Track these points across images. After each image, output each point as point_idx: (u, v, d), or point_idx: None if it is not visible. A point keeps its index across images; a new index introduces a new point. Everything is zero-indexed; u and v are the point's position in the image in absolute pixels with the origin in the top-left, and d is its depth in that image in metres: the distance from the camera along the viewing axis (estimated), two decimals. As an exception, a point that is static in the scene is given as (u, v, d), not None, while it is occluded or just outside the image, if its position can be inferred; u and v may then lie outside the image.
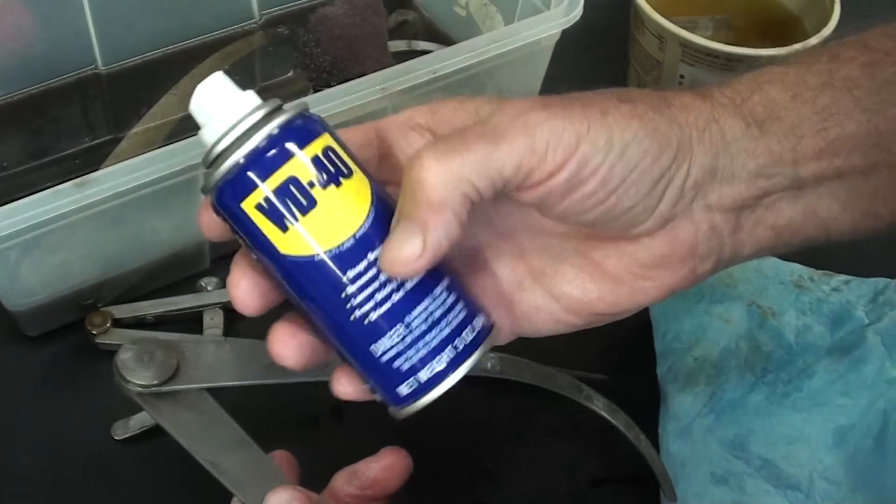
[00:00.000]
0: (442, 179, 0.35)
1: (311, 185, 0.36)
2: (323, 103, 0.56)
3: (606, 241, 0.40)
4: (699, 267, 0.40)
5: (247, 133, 0.36)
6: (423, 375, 0.38)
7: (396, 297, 0.37)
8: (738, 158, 0.39)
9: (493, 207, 0.40)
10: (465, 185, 0.35)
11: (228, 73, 0.38)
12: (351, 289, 0.37)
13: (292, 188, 0.36)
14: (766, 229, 0.41)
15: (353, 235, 0.36)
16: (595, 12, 0.66)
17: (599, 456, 0.57)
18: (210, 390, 0.50)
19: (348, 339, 0.38)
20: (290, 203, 0.36)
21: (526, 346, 0.58)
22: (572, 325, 0.42)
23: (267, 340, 0.39)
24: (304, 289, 0.37)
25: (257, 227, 0.37)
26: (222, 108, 0.37)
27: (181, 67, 0.70)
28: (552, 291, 0.41)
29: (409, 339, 0.37)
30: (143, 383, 0.49)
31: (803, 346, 0.56)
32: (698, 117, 0.38)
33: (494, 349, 0.57)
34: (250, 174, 0.36)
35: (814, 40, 0.68)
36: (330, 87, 0.63)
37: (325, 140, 0.37)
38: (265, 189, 0.36)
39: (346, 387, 0.40)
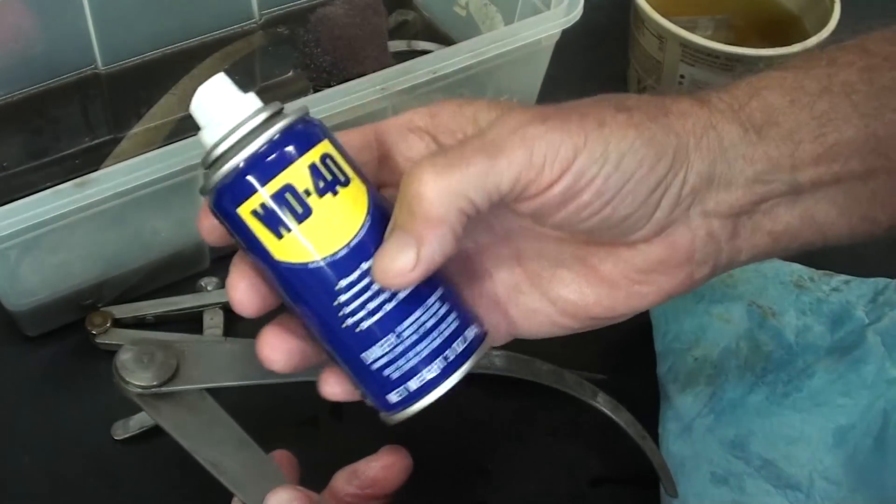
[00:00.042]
0: (440, 195, 0.35)
1: (308, 193, 0.36)
2: (323, 103, 0.56)
3: (603, 246, 0.40)
4: (696, 272, 0.40)
5: (246, 138, 0.36)
6: (413, 385, 0.38)
7: (389, 306, 0.37)
8: (735, 165, 0.39)
9: (491, 211, 0.40)
10: (462, 201, 0.36)
11: (229, 73, 0.38)
12: (343, 297, 0.37)
13: (288, 196, 0.36)
14: (764, 235, 0.41)
15: (348, 244, 0.37)
16: (595, 12, 0.66)
17: (600, 456, 0.57)
18: (210, 390, 0.50)
19: (340, 344, 0.38)
20: (285, 211, 0.36)
21: (526, 346, 0.58)
22: (568, 329, 0.42)
23: (256, 344, 0.39)
24: (298, 294, 0.37)
25: (253, 233, 0.37)
26: (223, 110, 0.37)
27: (181, 67, 0.70)
28: (549, 295, 0.42)
29: (400, 349, 0.38)
30: (142, 384, 0.49)
31: (803, 346, 0.56)
32: (696, 124, 0.38)
33: (500, 347, 0.57)
34: (247, 180, 0.36)
35: (813, 40, 0.68)
36: (330, 87, 0.63)
37: (323, 147, 0.37)
38: (262, 195, 0.36)
39: (334, 387, 0.40)
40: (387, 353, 0.38)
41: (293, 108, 0.38)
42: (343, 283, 0.37)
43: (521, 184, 0.36)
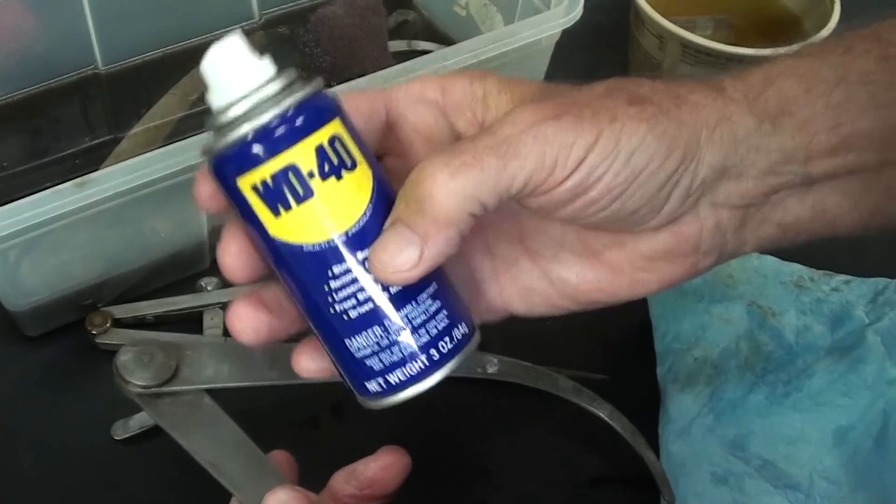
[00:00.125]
0: (452, 199, 0.35)
1: (311, 175, 0.35)
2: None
3: (609, 231, 0.40)
4: (701, 262, 0.40)
5: (257, 108, 0.35)
6: (393, 379, 0.37)
7: (379, 299, 0.36)
8: (748, 156, 0.38)
9: None
10: (473, 205, 0.35)
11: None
12: (335, 283, 0.36)
13: (291, 175, 0.35)
14: (773, 226, 0.40)
15: (346, 232, 0.36)
16: (595, 12, 0.66)
17: (599, 456, 0.56)
18: (209, 391, 0.50)
19: (325, 326, 0.37)
20: (286, 190, 0.35)
21: (526, 345, 0.58)
22: (565, 309, 0.42)
23: (226, 314, 0.38)
24: (289, 271, 0.37)
25: (250, 205, 0.36)
26: (236, 73, 0.36)
27: (181, 67, 0.70)
28: (549, 275, 0.41)
29: (385, 342, 0.37)
30: (142, 384, 0.49)
31: (803, 346, 0.56)
32: (709, 116, 0.38)
33: (496, 352, 0.57)
34: (252, 153, 0.35)
35: (814, 41, 0.68)
36: (330, 87, 0.62)
37: (333, 127, 0.36)
38: (264, 171, 0.35)
39: (310, 364, 0.40)
40: (371, 344, 0.37)
41: (309, 82, 0.36)
42: (336, 269, 0.36)
43: (531, 185, 0.36)
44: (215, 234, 0.48)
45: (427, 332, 0.37)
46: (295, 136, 0.35)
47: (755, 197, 0.39)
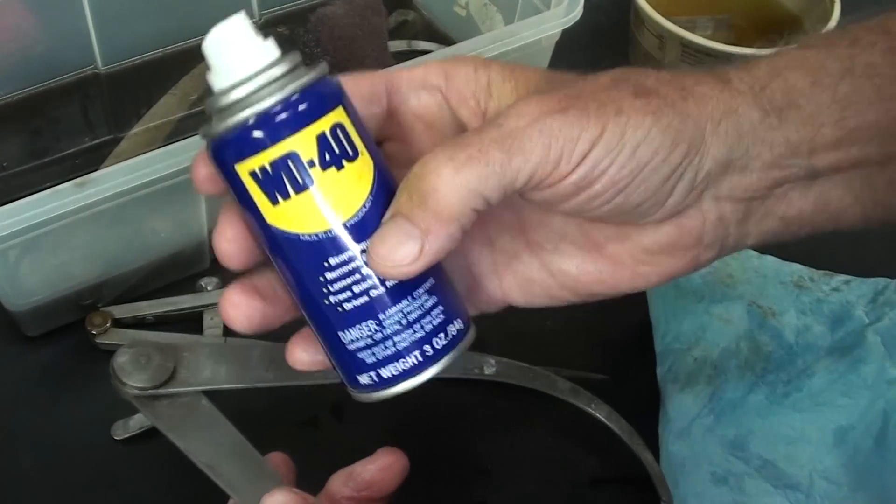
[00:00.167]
0: (456, 194, 0.34)
1: (311, 164, 0.35)
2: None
3: (611, 223, 0.40)
4: (703, 255, 0.40)
5: (258, 92, 0.34)
6: (386, 373, 0.37)
7: (375, 293, 0.36)
8: (753, 149, 0.38)
9: None
10: (477, 200, 0.35)
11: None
12: (330, 275, 0.36)
13: (291, 164, 0.34)
14: (776, 220, 0.40)
15: (344, 223, 0.35)
16: (595, 12, 0.66)
17: (599, 456, 0.56)
18: (207, 392, 0.50)
19: (319, 317, 0.37)
20: (285, 178, 0.35)
21: (525, 345, 0.58)
22: (564, 301, 0.42)
23: (220, 300, 0.38)
24: (285, 260, 0.36)
25: (248, 192, 0.35)
26: (239, 54, 0.35)
27: (181, 67, 0.70)
28: (549, 267, 0.41)
29: (378, 336, 0.36)
30: (139, 386, 0.49)
31: (803, 346, 0.56)
32: (715, 108, 0.37)
33: (495, 351, 0.57)
34: (252, 139, 0.34)
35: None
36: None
37: (336, 115, 0.35)
38: (263, 158, 0.34)
39: (302, 355, 0.39)
40: (365, 338, 0.36)
41: (313, 67, 0.36)
42: (333, 261, 0.35)
43: (535, 179, 0.35)
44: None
45: (422, 327, 0.37)
46: (297, 123, 0.34)
47: (759, 190, 0.39)
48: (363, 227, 0.35)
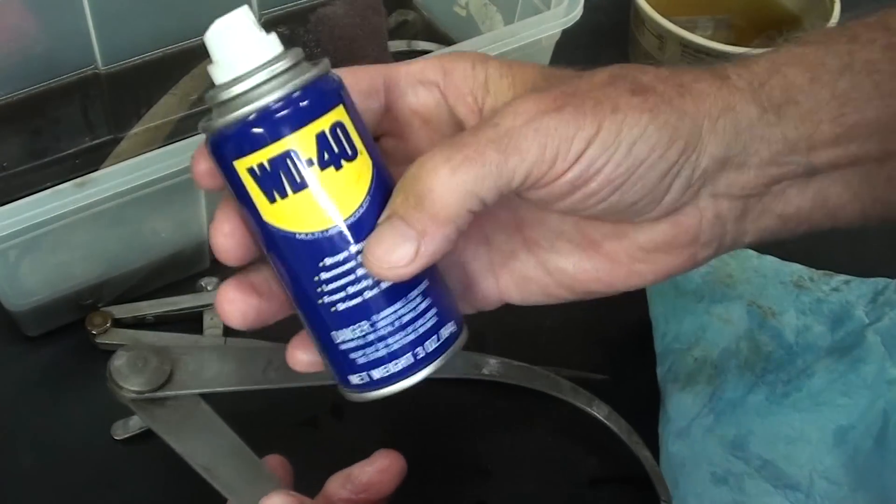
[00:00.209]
0: (453, 196, 0.34)
1: (310, 163, 0.34)
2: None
3: (608, 221, 0.40)
4: (700, 253, 0.40)
5: (259, 88, 0.34)
6: (377, 374, 0.37)
7: (369, 294, 0.36)
8: (751, 146, 0.38)
9: None
10: (473, 202, 0.35)
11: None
12: (325, 275, 0.36)
13: (289, 162, 0.34)
14: (773, 217, 0.40)
15: (341, 223, 0.35)
16: (595, 12, 0.66)
17: (599, 456, 0.56)
18: (206, 394, 0.50)
19: (312, 315, 0.37)
20: (283, 177, 0.34)
21: (525, 344, 0.58)
22: (561, 299, 0.42)
23: (216, 297, 0.38)
24: (280, 257, 0.36)
25: (245, 188, 0.35)
26: (241, 48, 0.35)
27: (181, 67, 0.70)
28: (546, 265, 0.41)
29: (371, 338, 0.36)
30: (136, 389, 0.49)
31: (803, 346, 0.56)
32: (713, 105, 0.37)
33: (494, 349, 0.57)
34: (251, 135, 0.34)
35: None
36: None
37: (336, 115, 0.35)
38: (262, 155, 0.34)
39: (302, 356, 0.39)
40: (357, 338, 0.36)
41: (316, 64, 0.36)
42: (328, 261, 0.35)
43: (532, 178, 0.35)
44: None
45: (414, 330, 0.37)
46: (296, 121, 0.34)
47: (756, 187, 0.39)
48: (360, 228, 0.35)
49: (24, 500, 0.54)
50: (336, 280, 0.36)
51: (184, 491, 0.53)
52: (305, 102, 0.34)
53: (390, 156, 0.40)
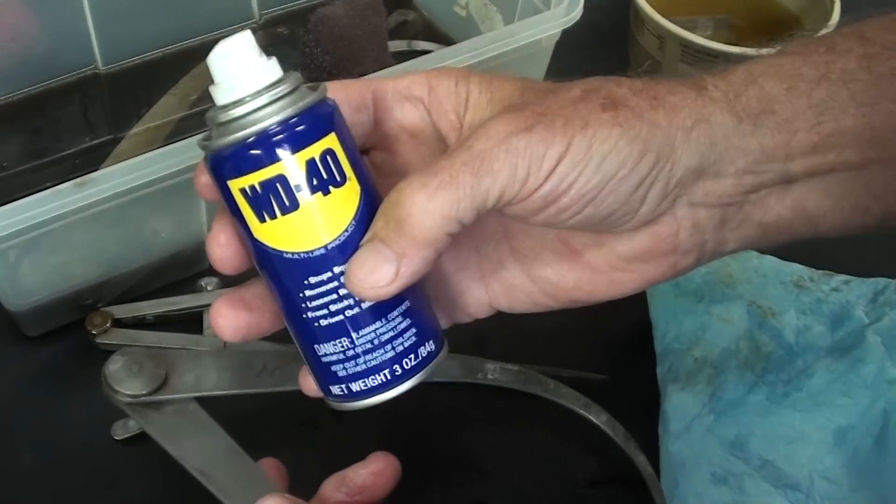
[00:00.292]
0: (431, 220, 0.36)
1: (298, 188, 0.36)
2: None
3: (587, 231, 0.40)
4: (681, 262, 0.40)
5: (254, 113, 0.36)
6: (355, 387, 0.38)
7: (350, 312, 0.37)
8: (726, 155, 0.38)
9: None
10: (452, 225, 0.36)
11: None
12: (309, 293, 0.37)
13: (279, 186, 0.36)
14: (753, 226, 0.40)
15: (325, 246, 0.37)
16: (595, 12, 0.66)
17: (597, 457, 0.56)
18: (202, 398, 0.50)
19: (298, 328, 0.39)
20: (272, 199, 0.36)
21: (524, 345, 0.58)
22: (547, 307, 0.42)
23: (210, 312, 0.40)
24: (270, 273, 0.38)
25: (238, 206, 0.37)
26: (241, 72, 0.36)
27: (181, 67, 0.70)
28: (530, 273, 0.42)
29: (351, 353, 0.38)
30: (131, 393, 0.49)
31: (803, 346, 0.56)
32: (687, 117, 0.38)
33: (494, 351, 0.57)
34: (243, 158, 0.36)
35: (814, 40, 0.68)
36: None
37: (328, 142, 0.36)
38: (252, 178, 0.36)
39: (313, 384, 0.40)
40: (338, 353, 0.38)
41: (312, 89, 0.37)
42: (312, 280, 0.37)
43: (506, 197, 0.36)
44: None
45: (393, 348, 0.38)
46: (288, 148, 0.36)
47: (734, 196, 0.39)
48: (344, 250, 0.37)
49: (24, 500, 0.54)
50: (320, 298, 0.37)
51: (183, 491, 0.53)
52: (299, 128, 0.36)
53: (380, 169, 0.41)
